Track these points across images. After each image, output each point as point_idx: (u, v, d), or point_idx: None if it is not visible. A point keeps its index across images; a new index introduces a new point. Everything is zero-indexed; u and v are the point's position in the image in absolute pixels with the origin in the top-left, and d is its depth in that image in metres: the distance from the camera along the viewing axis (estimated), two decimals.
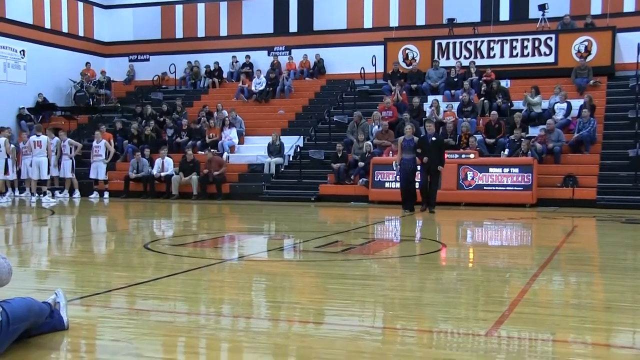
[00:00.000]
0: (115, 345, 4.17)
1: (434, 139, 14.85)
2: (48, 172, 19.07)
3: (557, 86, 19.99)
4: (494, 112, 19.12)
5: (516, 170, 16.83)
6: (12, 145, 19.51)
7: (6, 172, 19.04)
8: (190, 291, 6.13)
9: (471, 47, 22.77)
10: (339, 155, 18.85)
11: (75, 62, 26.87)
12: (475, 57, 22.53)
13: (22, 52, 25.01)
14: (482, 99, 20.60)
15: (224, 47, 26.99)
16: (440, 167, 14.73)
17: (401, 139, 15.22)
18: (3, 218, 14.01)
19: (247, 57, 26.37)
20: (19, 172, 19.81)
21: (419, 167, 14.91)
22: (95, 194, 19.77)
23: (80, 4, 27.96)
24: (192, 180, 19.31)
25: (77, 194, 19.67)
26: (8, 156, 19.08)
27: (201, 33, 28.02)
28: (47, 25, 26.34)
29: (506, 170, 16.94)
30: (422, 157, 14.54)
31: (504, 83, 21.17)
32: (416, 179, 15.22)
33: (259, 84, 24.52)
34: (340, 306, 5.50)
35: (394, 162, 15.91)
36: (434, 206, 14.78)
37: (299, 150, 20.49)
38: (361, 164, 18.33)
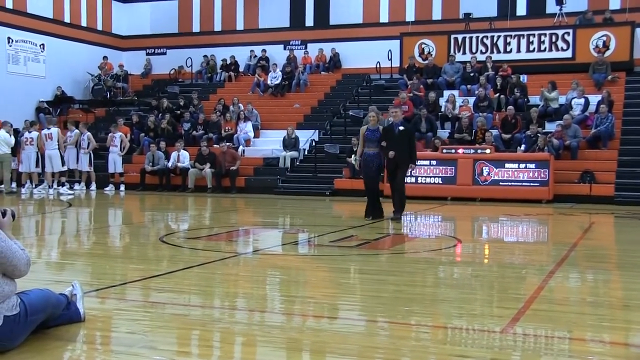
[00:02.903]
0: (131, 338, 4.20)
1: (401, 128, 11.54)
2: (63, 164, 19.16)
3: (575, 81, 19.83)
4: (510, 107, 19.01)
5: (532, 166, 16.73)
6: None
7: (37, 165, 19.19)
8: (205, 284, 6.16)
9: (487, 42, 22.64)
10: (354, 149, 18.82)
11: (93, 55, 27.00)
12: (492, 52, 22.39)
13: (41, 46, 25.16)
14: (499, 94, 20.50)
15: (240, 41, 27.03)
16: (411, 166, 11.84)
17: (364, 128, 11.90)
18: (21, 210, 14.12)
19: (263, 51, 26.38)
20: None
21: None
22: (110, 187, 19.87)
23: None
24: (206, 173, 19.36)
25: (93, 186, 19.78)
26: (38, 150, 19.24)
27: (218, 27, 28.06)
28: (67, 20, 26.48)
29: (522, 165, 16.84)
30: (387, 152, 11.44)
31: (521, 78, 21.02)
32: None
33: (274, 77, 24.52)
34: (355, 301, 5.50)
35: (352, 156, 13.77)
36: (401, 212, 11.79)
37: (314, 144, 20.49)
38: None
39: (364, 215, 11.86)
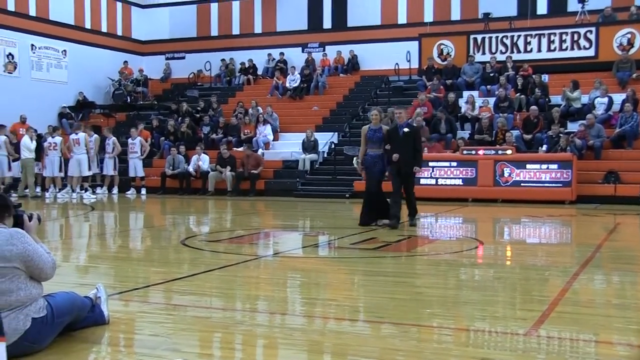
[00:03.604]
0: (154, 340, 4.23)
1: (406, 130, 10.79)
2: (89, 169, 19.35)
3: (597, 80, 19.64)
4: (533, 107, 18.84)
5: (555, 166, 16.60)
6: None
7: (60, 169, 19.41)
8: (226, 287, 6.18)
9: (507, 41, 22.51)
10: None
11: (113, 60, 27.23)
12: (512, 51, 22.26)
13: (63, 52, 25.42)
14: (519, 94, 20.36)
15: (258, 44, 27.10)
16: (416, 168, 10.92)
17: (365, 128, 11.14)
18: (45, 214, 14.25)
19: (281, 54, 26.43)
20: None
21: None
22: (132, 191, 20.00)
23: (119, 4, 28.32)
24: (226, 176, 19.42)
25: (115, 190, 19.93)
26: (61, 155, 19.44)
27: (236, 30, 28.17)
28: (88, 26, 26.73)
29: (544, 166, 16.71)
30: (391, 154, 10.73)
31: (542, 78, 20.86)
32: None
33: (293, 80, 24.56)
34: (376, 303, 5.49)
35: (354, 158, 12.80)
36: (415, 216, 11.18)
37: (333, 146, 20.49)
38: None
39: (360, 222, 10.96)
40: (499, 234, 11.66)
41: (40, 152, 19.51)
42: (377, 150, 10.86)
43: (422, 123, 18.97)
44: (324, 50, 26.32)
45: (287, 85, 24.54)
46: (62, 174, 19.51)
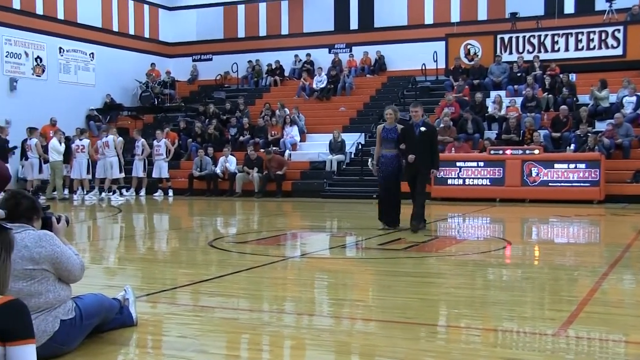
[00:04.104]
0: (182, 342, 4.25)
1: (423, 129, 10.22)
2: (120, 171, 19.50)
3: (626, 79, 19.39)
4: (563, 106, 18.63)
5: (583, 165, 16.42)
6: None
7: (88, 171, 19.65)
8: (253, 288, 6.20)
9: (535, 41, 22.32)
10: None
11: (141, 63, 27.45)
12: (539, 51, 22.07)
13: (91, 55, 25.69)
14: (547, 93, 20.19)
15: (285, 46, 27.15)
16: (433, 172, 10.36)
17: (380, 127, 10.71)
18: (73, 216, 14.42)
19: (308, 55, 26.47)
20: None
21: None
22: (159, 193, 20.14)
23: (147, 7, 28.55)
24: (253, 177, 19.49)
25: (142, 192, 20.08)
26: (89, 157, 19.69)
27: (263, 32, 28.25)
28: (115, 28, 26.99)
29: (572, 166, 16.54)
30: (407, 155, 10.19)
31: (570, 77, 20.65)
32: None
33: (320, 81, 24.59)
34: (404, 304, 5.47)
35: (369, 160, 12.29)
36: (420, 221, 10.31)
37: (360, 147, 20.46)
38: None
39: (382, 221, 10.58)
40: (526, 234, 11.57)
41: (68, 154, 19.73)
42: (392, 150, 10.37)
43: (449, 123, 18.91)
44: (350, 51, 26.30)
45: (314, 86, 24.57)
46: (90, 177, 19.72)
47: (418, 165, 10.10)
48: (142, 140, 20.29)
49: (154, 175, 20.28)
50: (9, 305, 2.34)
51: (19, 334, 2.32)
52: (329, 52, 26.64)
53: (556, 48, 21.96)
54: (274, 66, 26.70)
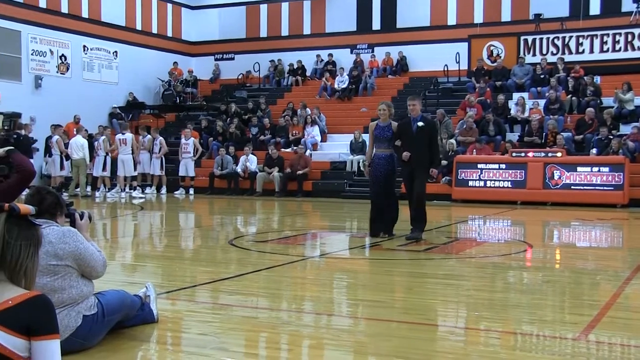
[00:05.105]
0: (202, 339, 4.27)
1: (420, 124, 9.28)
2: (135, 169, 19.68)
3: None
4: (590, 109, 18.45)
5: (606, 169, 16.27)
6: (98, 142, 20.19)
7: (104, 169, 19.82)
8: (273, 287, 6.21)
9: (559, 42, 22.15)
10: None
11: (163, 61, 27.61)
12: (563, 53, 21.90)
13: (114, 53, 25.90)
14: (570, 96, 20.01)
15: (307, 46, 27.16)
16: (432, 170, 9.41)
17: (372, 124, 9.76)
18: (95, 213, 14.54)
19: (330, 55, 26.47)
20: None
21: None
22: (180, 191, 20.25)
23: (170, 6, 28.71)
24: (274, 177, 19.53)
25: (163, 190, 20.21)
26: (107, 154, 19.90)
27: (285, 32, 28.30)
28: (138, 27, 27.17)
29: (595, 169, 16.39)
30: (401, 153, 9.31)
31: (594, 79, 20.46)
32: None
33: (341, 81, 24.58)
34: (423, 305, 5.46)
35: (360, 161, 10.74)
36: (418, 228, 9.30)
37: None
38: (444, 162, 18.11)
39: (369, 233, 9.67)
40: (548, 237, 11.49)
41: (91, 152, 19.90)
42: (386, 150, 9.46)
43: (472, 125, 18.82)
44: (372, 51, 26.26)
45: (336, 86, 24.57)
46: (108, 174, 19.88)
47: (414, 163, 9.20)
48: (160, 138, 20.43)
49: (180, 173, 20.42)
50: (35, 300, 2.37)
51: (44, 329, 2.35)
52: (351, 53, 26.62)
53: (580, 50, 21.78)
54: (295, 66, 26.74)
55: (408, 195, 9.52)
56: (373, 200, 9.67)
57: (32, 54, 22.64)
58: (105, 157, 19.86)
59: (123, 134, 19.82)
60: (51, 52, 23.35)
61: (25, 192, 4.67)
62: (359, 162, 13.57)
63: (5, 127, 17.36)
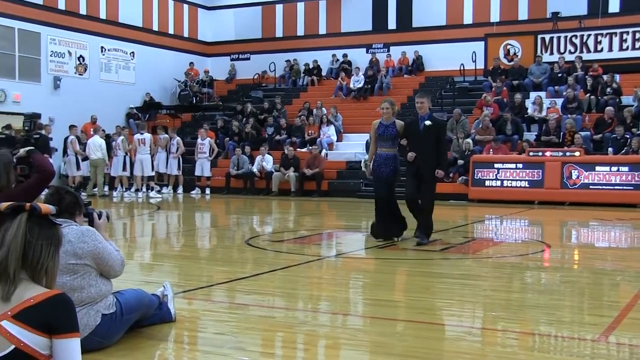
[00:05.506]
0: (220, 339, 4.29)
1: (428, 123, 8.88)
2: (152, 169, 19.77)
3: None
4: (609, 107, 18.31)
5: (625, 168, 16.13)
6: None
7: (124, 168, 19.94)
8: (289, 287, 6.22)
9: (577, 41, 22.00)
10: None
11: (180, 62, 27.74)
12: (581, 51, 21.75)
13: (131, 54, 26.04)
14: (589, 94, 19.87)
15: (322, 45, 27.17)
16: (438, 172, 8.83)
17: (376, 123, 9.24)
18: (114, 213, 14.62)
19: (345, 55, 26.46)
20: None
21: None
22: (196, 190, 20.32)
23: (186, 6, 28.83)
24: (289, 177, 19.55)
25: (180, 190, 20.28)
26: (126, 153, 20.03)
27: (300, 32, 28.31)
28: (155, 28, 27.30)
29: (614, 168, 16.26)
30: (407, 153, 9.05)
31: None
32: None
33: (357, 81, 24.56)
34: (440, 306, 5.44)
35: (362, 160, 10.20)
36: (427, 234, 8.99)
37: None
38: (460, 162, 18.05)
39: (372, 234, 9.39)
40: (566, 237, 11.41)
41: (109, 152, 20.02)
42: (389, 149, 9.13)
43: (489, 123, 18.74)
44: (388, 51, 26.22)
45: (351, 86, 24.56)
46: (128, 173, 19.99)
47: (420, 164, 8.79)
48: (177, 138, 20.53)
49: (196, 173, 20.50)
50: (56, 299, 2.39)
51: (65, 327, 2.37)
52: (367, 52, 26.59)
53: (599, 48, 21.63)
54: (311, 66, 26.75)
55: (410, 197, 9.08)
56: (377, 202, 9.36)
57: (51, 55, 22.82)
58: (125, 156, 19.98)
59: (142, 134, 19.91)
60: (69, 53, 23.53)
61: (45, 191, 4.70)
62: (360, 162, 13.36)
63: (26, 128, 17.51)
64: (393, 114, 9.17)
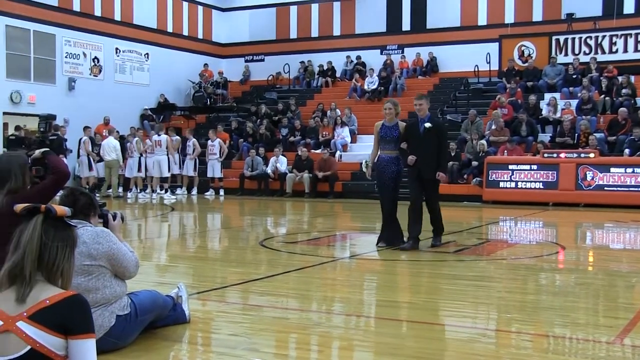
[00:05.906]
0: (234, 340, 4.30)
1: (428, 125, 8.72)
2: (169, 170, 19.85)
3: None
4: (622, 108, 18.20)
5: None
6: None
7: (139, 170, 20.03)
8: (303, 288, 6.22)
9: (591, 42, 21.89)
10: (452, 154, 18.57)
11: (194, 63, 27.83)
12: (596, 52, 21.63)
13: (146, 55, 26.16)
14: (603, 96, 19.75)
15: (337, 47, 27.17)
16: (440, 175, 8.72)
17: (378, 124, 9.06)
18: (128, 214, 14.68)
19: (358, 57, 26.45)
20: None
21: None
22: (210, 192, 20.37)
23: (200, 8, 28.93)
24: (304, 178, 19.56)
25: (194, 191, 20.35)
26: (141, 155, 20.08)
27: (315, 33, 28.32)
28: (170, 29, 27.41)
29: (629, 170, 16.16)
30: (407, 156, 8.71)
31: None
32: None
33: (371, 82, 24.54)
34: (454, 307, 5.43)
35: (363, 161, 10.58)
36: (440, 235, 9.00)
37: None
38: (475, 163, 18.00)
39: (376, 242, 9.07)
40: (581, 239, 11.35)
41: (123, 153, 20.10)
42: (391, 152, 8.85)
43: (502, 124, 18.68)
44: (402, 52, 26.19)
45: (366, 87, 24.54)
46: (142, 175, 20.07)
47: (421, 167, 8.63)
48: (194, 139, 20.57)
49: (207, 175, 20.53)
50: (72, 300, 2.41)
51: (80, 328, 2.39)
52: (381, 54, 26.57)
53: (614, 49, 21.50)
54: (325, 67, 26.75)
55: (413, 201, 8.84)
56: (383, 205, 9.07)
57: (66, 57, 22.97)
58: (140, 158, 20.05)
59: (159, 135, 19.96)
60: (84, 54, 23.67)
61: (60, 193, 4.74)
62: (361, 163, 13.21)
63: (41, 129, 17.63)
64: (396, 114, 8.99)
